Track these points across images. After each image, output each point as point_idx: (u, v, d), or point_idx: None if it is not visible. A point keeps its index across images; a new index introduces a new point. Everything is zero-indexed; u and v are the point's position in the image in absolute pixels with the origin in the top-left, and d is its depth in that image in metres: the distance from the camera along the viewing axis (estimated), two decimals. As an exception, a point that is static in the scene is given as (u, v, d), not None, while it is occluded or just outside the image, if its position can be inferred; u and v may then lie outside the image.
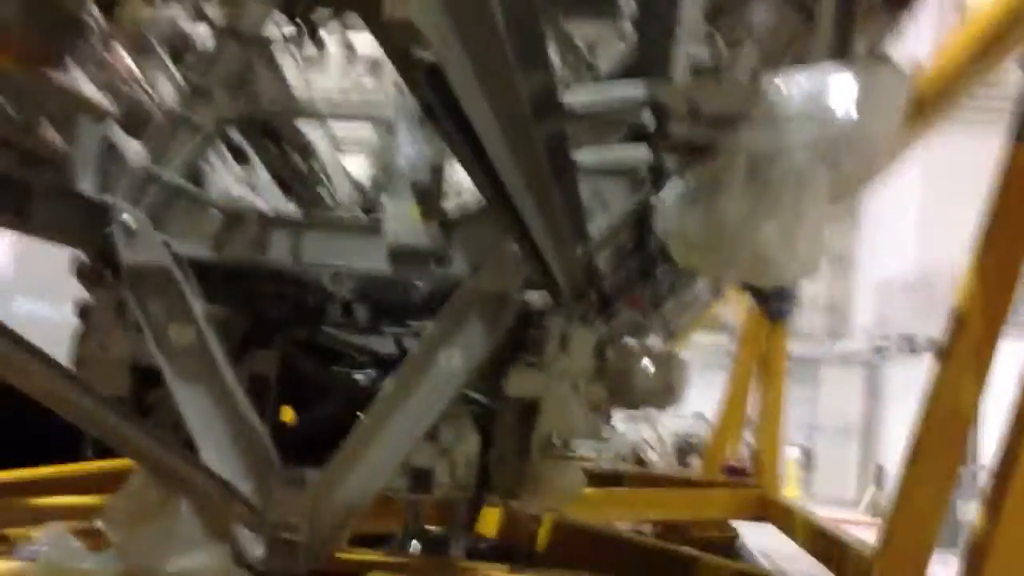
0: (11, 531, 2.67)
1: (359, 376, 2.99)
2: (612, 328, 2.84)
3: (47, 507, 3.09)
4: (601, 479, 6.06)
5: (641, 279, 3.25)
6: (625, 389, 2.77)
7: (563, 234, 2.21)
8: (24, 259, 6.56)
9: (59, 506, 3.17)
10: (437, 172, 2.47)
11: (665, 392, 2.95)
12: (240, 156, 3.28)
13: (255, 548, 2.43)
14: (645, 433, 13.69)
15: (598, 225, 2.51)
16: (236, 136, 3.29)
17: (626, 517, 6.04)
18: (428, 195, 2.45)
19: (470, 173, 1.64)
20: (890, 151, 2.00)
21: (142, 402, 2.75)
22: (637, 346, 2.93)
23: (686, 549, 3.88)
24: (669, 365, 2.96)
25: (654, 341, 3.50)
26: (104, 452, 4.31)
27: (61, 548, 2.45)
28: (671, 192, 2.19)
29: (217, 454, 2.49)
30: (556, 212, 2.05)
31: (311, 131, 3.85)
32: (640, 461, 12.42)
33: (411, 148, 2.50)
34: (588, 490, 5.32)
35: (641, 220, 2.67)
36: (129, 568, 2.39)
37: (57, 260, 2.84)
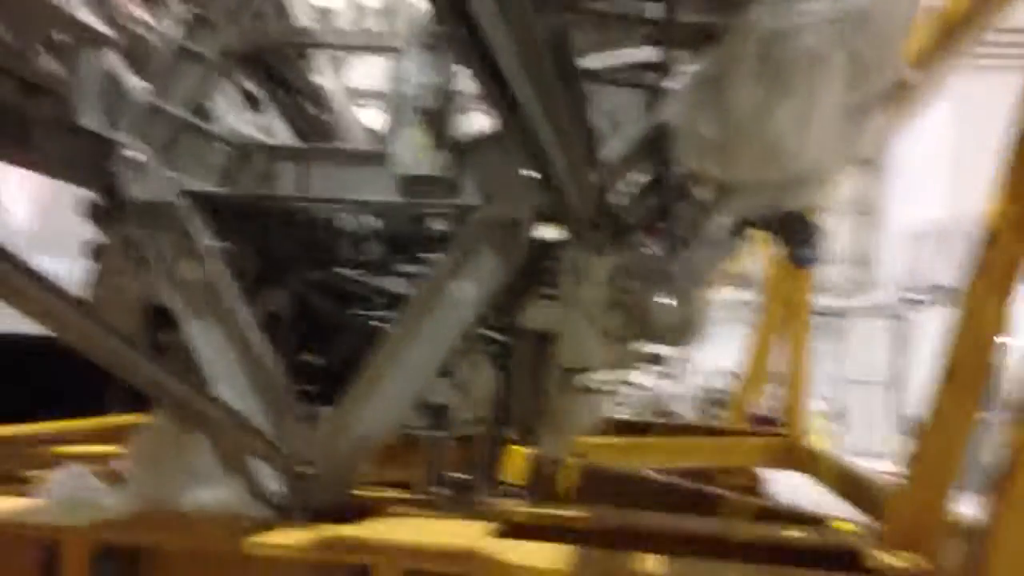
0: (32, 473, 2.67)
1: (373, 316, 2.95)
2: (629, 260, 2.77)
3: (69, 455, 3.09)
4: (626, 428, 6.03)
5: (661, 214, 3.17)
6: (642, 321, 2.71)
7: (576, 157, 2.15)
8: (46, 217, 6.61)
9: (80, 454, 3.17)
10: (445, 98, 2.41)
11: (684, 326, 2.89)
12: (253, 103, 3.23)
13: (272, 483, 2.41)
14: (671, 387, 13.61)
15: (612, 149, 2.45)
16: (249, 85, 3.24)
17: (652, 464, 6.01)
18: (437, 121, 2.39)
19: (476, 78, 1.59)
20: (906, 33, 1.90)
21: (156, 342, 2.72)
22: (656, 278, 2.87)
23: (711, 488, 3.84)
24: (688, 299, 2.89)
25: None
26: (126, 408, 4.33)
27: (79, 484, 2.45)
28: (678, 85, 2.10)
29: (231, 390, 2.47)
30: (567, 131, 1.99)
31: (325, 80, 3.80)
32: (666, 415, 12.36)
33: (419, 75, 2.44)
34: (613, 438, 5.30)
35: (658, 148, 2.59)
36: (147, 502, 2.38)
37: (78, 218, 2.82)
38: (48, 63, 2.31)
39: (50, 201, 6.47)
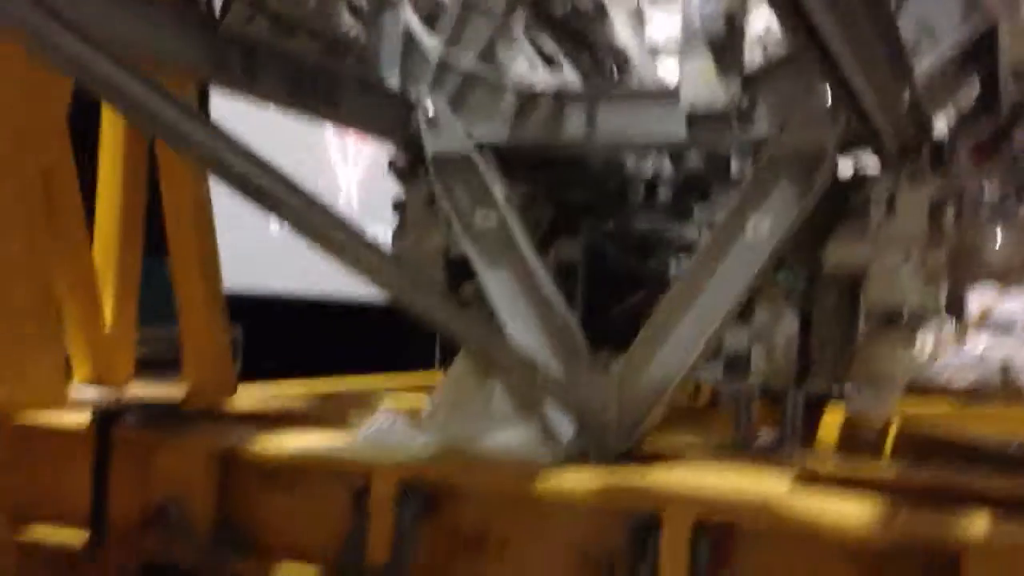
0: (353, 419, 2.87)
1: (665, 261, 2.86)
2: (952, 191, 2.46)
3: (391, 405, 3.29)
4: (960, 396, 5.49)
5: (993, 139, 2.79)
6: (969, 258, 2.41)
7: (882, 74, 1.94)
8: (368, 186, 7.19)
9: (402, 405, 3.38)
10: (734, 24, 2.26)
11: (1021, 268, 2.55)
12: (551, 63, 3.25)
13: (565, 428, 2.42)
14: (1020, 357, 12.21)
15: (928, 62, 2.19)
16: (547, 45, 3.26)
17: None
18: (725, 49, 2.26)
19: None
20: None
21: (457, 291, 2.82)
22: (986, 212, 2.55)
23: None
24: (1026, 237, 2.55)
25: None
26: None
27: (392, 428, 2.59)
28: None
29: (525, 336, 2.50)
30: (869, 43, 1.79)
31: (622, 37, 3.75)
32: (1011, 383, 11.09)
33: (707, 4, 2.32)
34: (942, 406, 4.84)
35: (985, 57, 2.28)
36: (449, 444, 2.47)
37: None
38: (350, 24, 2.44)
39: (377, 173, 7.05)
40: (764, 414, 3.43)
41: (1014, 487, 2.24)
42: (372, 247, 2.22)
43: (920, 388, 4.21)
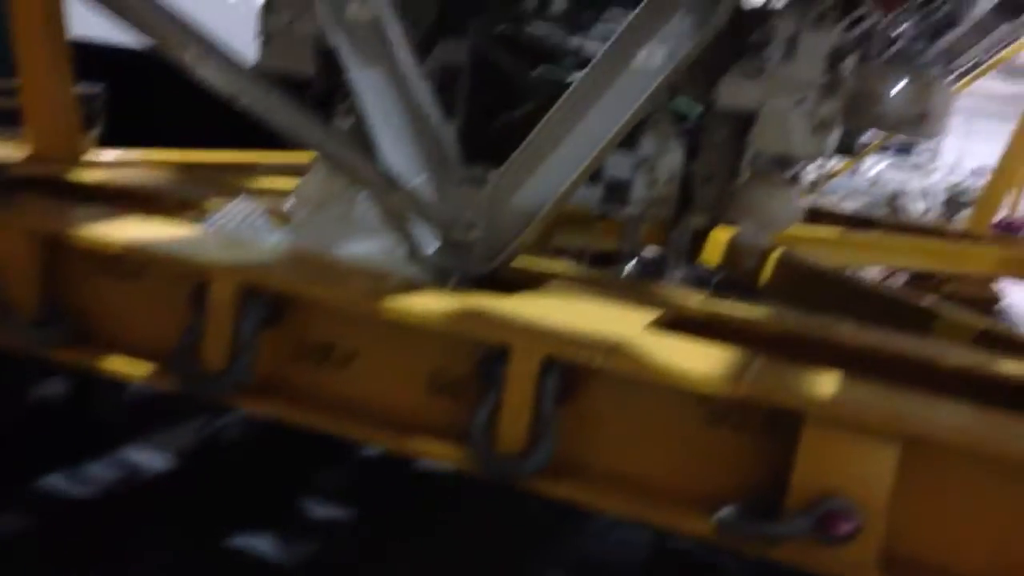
0: (209, 203, 2.68)
1: (557, 76, 2.68)
2: (856, 36, 2.33)
3: (248, 188, 3.06)
4: (847, 222, 5.52)
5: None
6: (864, 109, 2.31)
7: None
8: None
9: (260, 188, 3.16)
10: None
11: (917, 119, 2.46)
12: None
13: (428, 244, 2.30)
14: (911, 183, 12.48)
15: None
16: None
17: (871, 263, 5.55)
18: None
19: None
20: None
21: (330, 85, 2.60)
22: (890, 60, 2.43)
23: (928, 302, 3.41)
24: (925, 88, 2.44)
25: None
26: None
27: (246, 220, 2.44)
28: None
29: (393, 144, 2.32)
30: None
31: None
32: (897, 211, 11.33)
33: None
34: (829, 230, 4.87)
35: None
36: (304, 248, 2.34)
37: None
38: None
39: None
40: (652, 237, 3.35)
41: (876, 341, 2.23)
42: (229, 61, 2.01)
43: (808, 211, 4.17)
